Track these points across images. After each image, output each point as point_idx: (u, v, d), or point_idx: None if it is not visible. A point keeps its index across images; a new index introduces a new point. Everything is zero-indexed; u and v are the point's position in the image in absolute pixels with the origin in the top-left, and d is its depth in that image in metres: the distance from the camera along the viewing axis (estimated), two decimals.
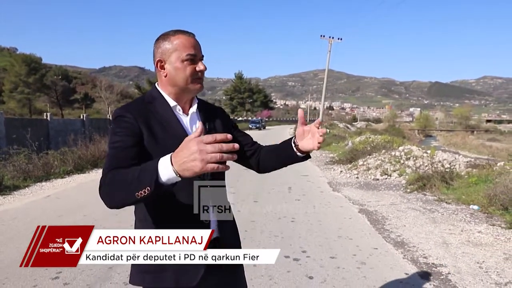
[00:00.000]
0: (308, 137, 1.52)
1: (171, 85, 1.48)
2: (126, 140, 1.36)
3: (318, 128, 1.48)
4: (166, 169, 1.10)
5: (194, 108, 1.54)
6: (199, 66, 1.46)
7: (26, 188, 7.86)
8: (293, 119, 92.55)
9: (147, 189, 1.11)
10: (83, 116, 16.70)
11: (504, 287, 3.55)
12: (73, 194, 7.43)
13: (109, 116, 19.88)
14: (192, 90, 1.49)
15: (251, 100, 75.15)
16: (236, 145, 1.09)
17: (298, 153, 1.56)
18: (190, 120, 1.53)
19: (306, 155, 1.58)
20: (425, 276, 3.78)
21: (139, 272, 1.46)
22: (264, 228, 5.16)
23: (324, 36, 27.67)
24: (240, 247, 1.65)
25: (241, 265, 1.57)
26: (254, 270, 3.67)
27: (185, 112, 1.53)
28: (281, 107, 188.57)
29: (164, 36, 1.46)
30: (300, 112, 1.56)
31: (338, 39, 27.70)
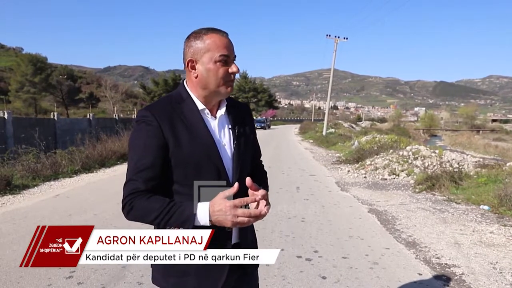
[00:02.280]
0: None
1: (202, 87, 1.43)
2: (148, 150, 1.35)
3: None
4: (203, 218, 1.28)
5: (222, 111, 1.49)
6: (232, 68, 1.40)
7: (35, 187, 7.89)
8: (298, 118, 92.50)
9: (181, 228, 1.30)
10: (89, 115, 16.75)
11: None
12: (82, 193, 7.46)
13: (115, 115, 19.94)
14: (222, 94, 1.44)
15: (255, 100, 75.06)
16: (263, 211, 1.29)
17: None
18: (218, 123, 1.47)
19: None
20: (439, 276, 3.76)
21: (163, 275, 1.44)
22: (275, 228, 5.16)
23: (330, 35, 27.56)
24: (256, 244, 1.66)
25: (257, 265, 1.57)
26: (267, 270, 3.67)
27: (213, 114, 1.48)
28: (286, 106, 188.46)
29: (196, 35, 1.40)
30: (247, 180, 1.35)
31: (344, 38, 27.58)
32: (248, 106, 1.69)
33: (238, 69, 1.41)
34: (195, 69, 1.41)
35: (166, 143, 1.35)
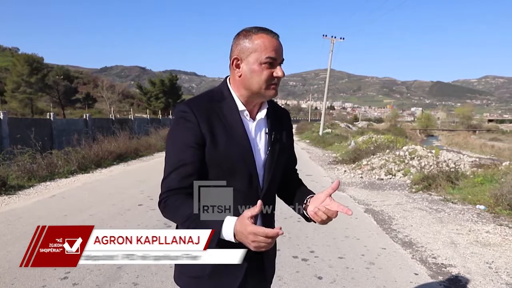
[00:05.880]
0: (321, 205, 1.37)
1: (244, 87, 1.38)
2: (186, 147, 1.33)
3: (331, 199, 1.35)
4: (228, 235, 1.21)
5: (262, 114, 1.44)
6: (277, 72, 1.34)
7: (31, 188, 7.85)
8: (294, 118, 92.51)
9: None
10: (86, 116, 16.69)
11: None
12: (78, 193, 7.42)
13: (112, 116, 19.86)
14: (265, 96, 1.39)
15: None
16: (281, 231, 1.16)
17: (305, 212, 1.46)
18: (256, 126, 1.43)
19: (310, 218, 1.44)
20: (435, 276, 3.76)
21: (178, 274, 1.46)
22: None
23: (326, 35, 27.59)
24: (276, 253, 1.67)
25: (274, 270, 1.60)
26: None
27: (252, 116, 1.44)
28: (282, 106, 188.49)
29: (246, 33, 1.36)
30: (336, 183, 1.39)
31: (341, 38, 27.62)
32: (287, 112, 1.64)
33: (283, 74, 1.36)
34: (239, 68, 1.37)
35: (203, 140, 1.33)
